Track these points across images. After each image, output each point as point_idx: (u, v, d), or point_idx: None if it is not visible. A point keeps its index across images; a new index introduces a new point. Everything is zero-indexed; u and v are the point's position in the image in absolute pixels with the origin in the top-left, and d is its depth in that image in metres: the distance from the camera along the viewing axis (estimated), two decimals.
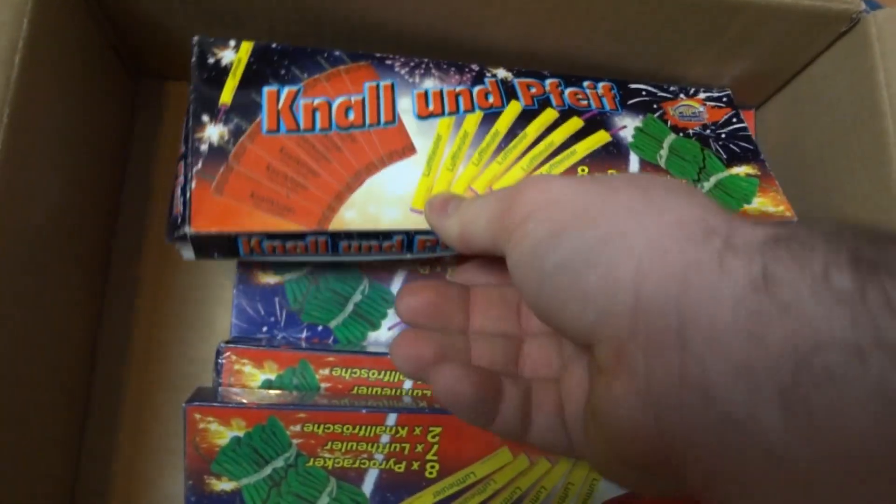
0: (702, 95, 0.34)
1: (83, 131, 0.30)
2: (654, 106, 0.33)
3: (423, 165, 0.28)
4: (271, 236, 0.26)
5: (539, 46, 0.32)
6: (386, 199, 0.27)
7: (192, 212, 0.25)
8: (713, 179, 0.31)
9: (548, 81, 0.32)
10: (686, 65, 0.34)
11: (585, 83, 0.32)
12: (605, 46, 0.32)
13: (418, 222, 0.27)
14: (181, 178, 0.27)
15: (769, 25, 0.30)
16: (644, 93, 0.33)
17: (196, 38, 0.28)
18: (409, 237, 0.27)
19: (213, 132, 0.27)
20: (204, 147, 0.26)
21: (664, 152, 0.31)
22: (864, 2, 0.29)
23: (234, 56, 0.28)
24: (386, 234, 0.27)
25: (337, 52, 0.29)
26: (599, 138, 0.30)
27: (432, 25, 0.31)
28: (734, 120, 0.34)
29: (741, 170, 0.32)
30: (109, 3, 0.30)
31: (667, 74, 0.35)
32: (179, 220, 0.26)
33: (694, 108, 0.34)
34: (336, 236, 0.27)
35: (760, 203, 0.31)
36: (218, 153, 0.26)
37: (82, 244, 0.31)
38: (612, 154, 0.30)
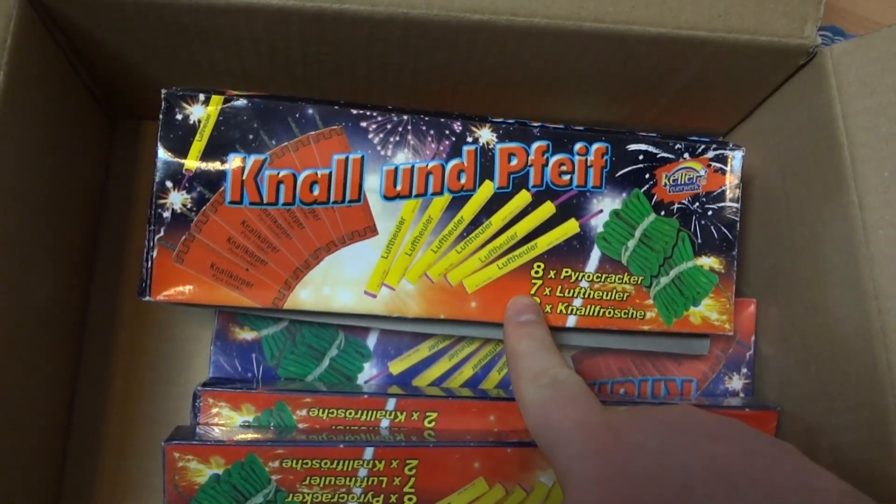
0: (710, 154, 0.32)
1: (60, 174, 0.30)
2: (647, 176, 0.31)
3: (383, 248, 0.28)
4: None
5: (513, 77, 0.31)
6: (342, 280, 0.28)
7: (152, 280, 0.27)
8: (673, 273, 0.31)
9: (534, 146, 0.30)
10: (654, 95, 0.34)
11: (577, 146, 0.30)
12: (574, 81, 0.32)
13: (369, 307, 0.28)
14: (146, 243, 0.27)
15: (729, 60, 0.30)
16: (642, 156, 0.31)
17: (164, 92, 0.27)
18: None
19: (177, 199, 0.27)
20: (167, 214, 0.27)
21: (632, 243, 0.30)
22: (828, 28, 0.27)
23: (204, 112, 0.27)
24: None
25: (310, 110, 0.28)
26: (566, 230, 0.30)
27: (402, 64, 0.29)
28: (728, 195, 0.32)
29: (708, 261, 0.31)
30: (85, 49, 0.29)
31: (639, 101, 0.34)
32: (143, 286, 0.27)
33: (692, 173, 0.32)
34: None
35: (707, 307, 0.31)
36: (180, 221, 0.27)
37: (61, 281, 0.32)
38: (574, 249, 0.30)
